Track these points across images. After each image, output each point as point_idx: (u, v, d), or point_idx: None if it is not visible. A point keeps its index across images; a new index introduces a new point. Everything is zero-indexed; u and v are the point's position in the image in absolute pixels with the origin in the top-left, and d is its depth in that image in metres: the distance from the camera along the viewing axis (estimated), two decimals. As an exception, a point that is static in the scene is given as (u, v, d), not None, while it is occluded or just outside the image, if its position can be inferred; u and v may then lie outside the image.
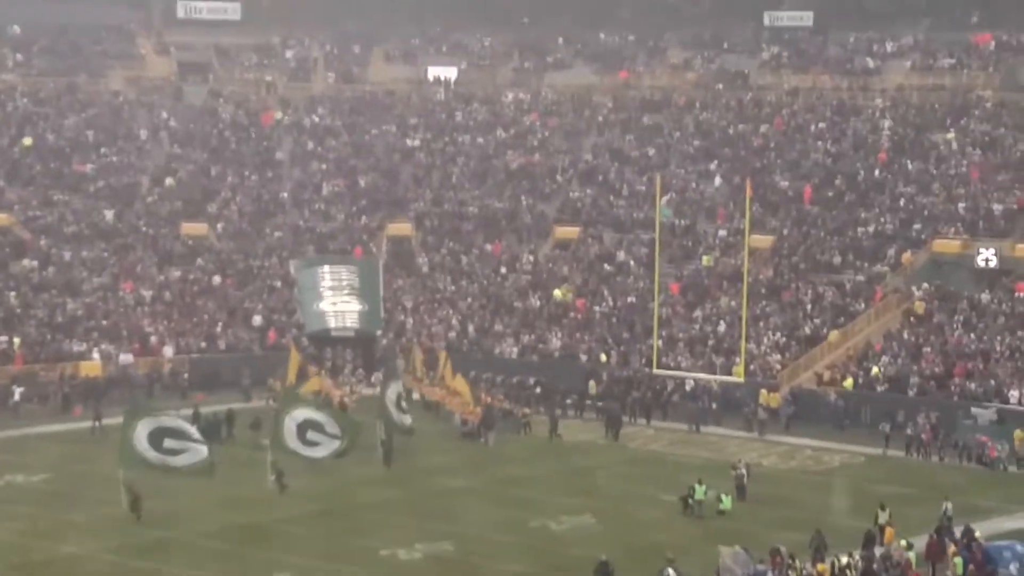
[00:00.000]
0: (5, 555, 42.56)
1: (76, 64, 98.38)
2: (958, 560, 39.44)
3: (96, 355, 72.40)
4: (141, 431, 47.64)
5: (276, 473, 51.11)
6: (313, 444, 51.30)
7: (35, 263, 78.83)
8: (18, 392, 66.78)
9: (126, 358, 72.60)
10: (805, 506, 49.53)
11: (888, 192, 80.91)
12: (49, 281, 77.89)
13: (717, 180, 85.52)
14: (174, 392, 70.39)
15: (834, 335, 69.74)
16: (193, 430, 49.17)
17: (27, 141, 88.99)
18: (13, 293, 75.65)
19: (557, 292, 78.87)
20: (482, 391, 66.03)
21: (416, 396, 68.51)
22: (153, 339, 75.01)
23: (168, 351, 74.35)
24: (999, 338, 67.39)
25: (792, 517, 47.44)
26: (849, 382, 66.41)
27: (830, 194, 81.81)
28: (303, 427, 51.33)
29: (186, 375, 72.51)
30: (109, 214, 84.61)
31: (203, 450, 48.20)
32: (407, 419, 59.01)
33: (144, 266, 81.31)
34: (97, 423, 60.82)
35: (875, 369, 66.82)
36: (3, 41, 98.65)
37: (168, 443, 47.68)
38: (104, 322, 75.47)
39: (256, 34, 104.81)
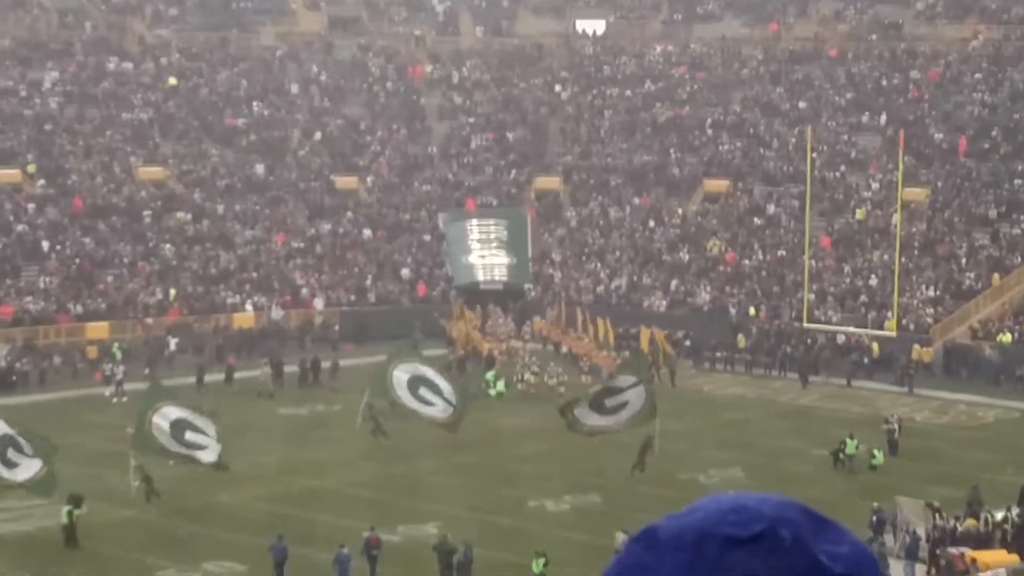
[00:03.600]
0: (163, 501, 43.32)
1: (228, 19, 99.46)
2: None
3: (249, 307, 73.43)
4: (161, 420, 44.77)
5: (372, 420, 51.11)
6: (426, 402, 50.90)
7: (189, 216, 79.99)
8: (173, 343, 67.93)
9: (278, 311, 73.53)
10: (958, 461, 48.85)
11: (1046, 144, 79.27)
12: (203, 234, 79.03)
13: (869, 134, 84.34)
14: (325, 344, 71.12)
15: (992, 286, 68.59)
16: (211, 427, 45.56)
17: (173, 81, 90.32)
18: (168, 246, 76.84)
19: (711, 244, 78.30)
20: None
21: (564, 349, 68.71)
22: (304, 291, 75.87)
23: (319, 303, 75.17)
24: None
25: (945, 472, 46.85)
26: (1006, 337, 65.26)
27: (986, 146, 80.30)
28: (415, 382, 51.02)
29: (336, 327, 73.25)
30: (260, 167, 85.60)
31: (218, 448, 45.08)
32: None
33: (295, 219, 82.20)
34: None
35: (1032, 324, 65.65)
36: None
37: (189, 436, 44.96)
38: (256, 274, 76.47)
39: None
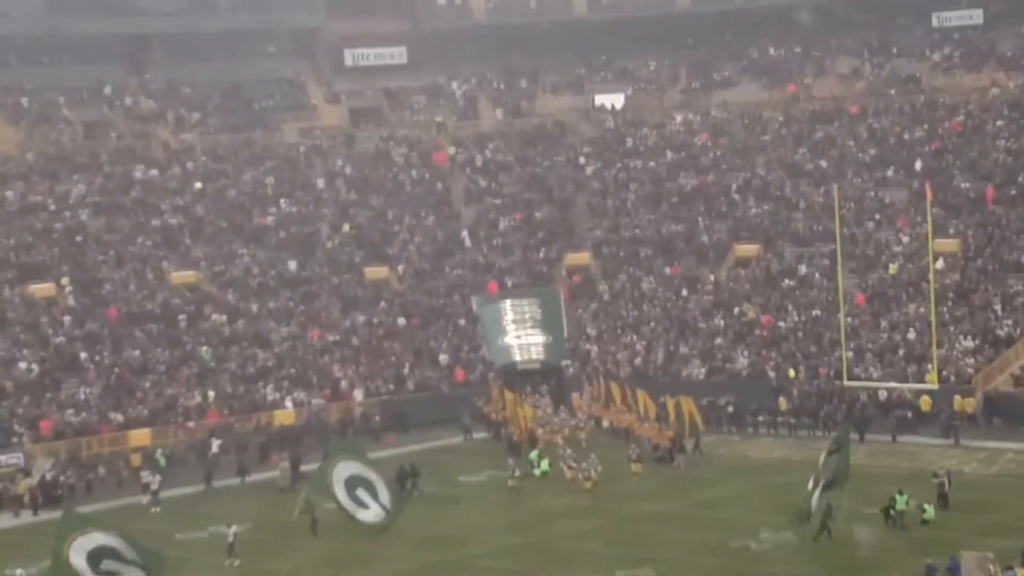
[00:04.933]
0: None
1: (250, 119, 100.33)
2: None
3: (289, 403, 73.55)
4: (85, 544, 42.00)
5: (308, 508, 51.72)
6: (361, 504, 51.28)
7: (224, 317, 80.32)
8: (216, 444, 67.99)
9: (319, 404, 73.61)
10: (1011, 511, 48.42)
11: (1073, 185, 79.16)
12: (239, 334, 79.32)
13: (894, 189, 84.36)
14: (366, 435, 71.06)
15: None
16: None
17: (199, 184, 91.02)
18: (205, 348, 77.11)
19: (743, 309, 78.26)
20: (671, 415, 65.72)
21: (605, 424, 68.63)
22: (343, 384, 75.98)
23: (359, 395, 75.25)
24: None
25: (998, 522, 46.45)
26: (1048, 382, 64.96)
27: (1013, 192, 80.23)
28: (353, 481, 51.43)
29: (377, 418, 73.26)
30: (292, 264, 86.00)
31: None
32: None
33: (329, 313, 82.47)
34: (294, 471, 61.60)
35: (1073, 367, 65.28)
36: (179, 102, 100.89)
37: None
38: (294, 370, 76.65)
39: (423, 76, 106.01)
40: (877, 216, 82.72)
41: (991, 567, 38.13)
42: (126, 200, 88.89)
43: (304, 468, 61.36)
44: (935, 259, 72.06)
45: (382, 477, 52.68)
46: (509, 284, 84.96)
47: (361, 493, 51.42)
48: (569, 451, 60.47)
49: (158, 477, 60.64)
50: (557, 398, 74.76)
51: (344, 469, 51.82)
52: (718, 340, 76.65)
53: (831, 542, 45.17)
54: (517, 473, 56.96)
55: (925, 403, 65.58)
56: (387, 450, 67.51)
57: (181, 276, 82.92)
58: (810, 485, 46.41)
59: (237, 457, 65.95)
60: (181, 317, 79.35)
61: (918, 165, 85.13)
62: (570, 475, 57.55)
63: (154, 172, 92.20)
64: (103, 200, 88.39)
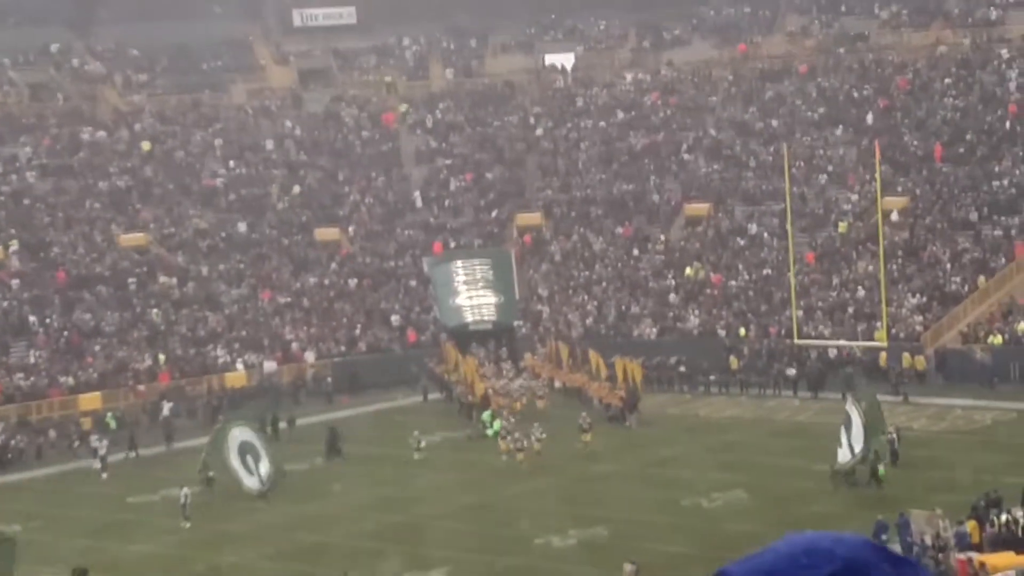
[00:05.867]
0: (168, 567, 43.25)
1: (198, 80, 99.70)
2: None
3: (240, 366, 73.37)
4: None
5: (204, 468, 52.54)
6: (248, 470, 52.71)
7: (174, 279, 79.97)
8: (167, 407, 67.77)
9: (270, 366, 73.47)
10: (960, 467, 48.80)
11: (1021, 143, 79.49)
12: (189, 296, 79.03)
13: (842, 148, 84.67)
14: (319, 397, 71.06)
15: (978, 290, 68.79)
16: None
17: (146, 146, 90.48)
18: (155, 311, 76.81)
19: (689, 270, 78.54)
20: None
21: (558, 384, 68.73)
22: (295, 346, 75.84)
23: (310, 357, 75.13)
24: None
25: (947, 479, 46.82)
26: (997, 339, 65.39)
27: (961, 150, 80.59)
28: (245, 447, 53.19)
29: (329, 379, 73.18)
30: (242, 226, 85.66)
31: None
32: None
33: (280, 274, 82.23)
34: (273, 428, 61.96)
35: (1021, 324, 65.71)
36: (126, 63, 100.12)
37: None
38: (245, 333, 76.44)
39: (372, 36, 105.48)
40: (826, 175, 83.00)
41: (940, 523, 38.44)
42: (73, 162, 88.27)
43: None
44: (888, 212, 72.48)
45: (267, 449, 53.89)
46: (455, 245, 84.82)
47: (249, 460, 52.77)
48: (512, 420, 59.50)
49: (105, 442, 60.08)
50: (501, 358, 74.78)
51: (239, 434, 53.48)
52: (670, 298, 76.91)
53: (878, 488, 46.07)
54: (469, 432, 56.94)
55: (883, 359, 65.74)
56: (340, 411, 67.53)
57: (130, 238, 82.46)
58: (843, 441, 47.87)
59: (188, 420, 65.77)
60: (131, 280, 78.96)
61: (868, 121, 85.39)
62: (503, 447, 55.55)
63: (102, 134, 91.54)
64: (50, 162, 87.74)
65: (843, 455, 47.89)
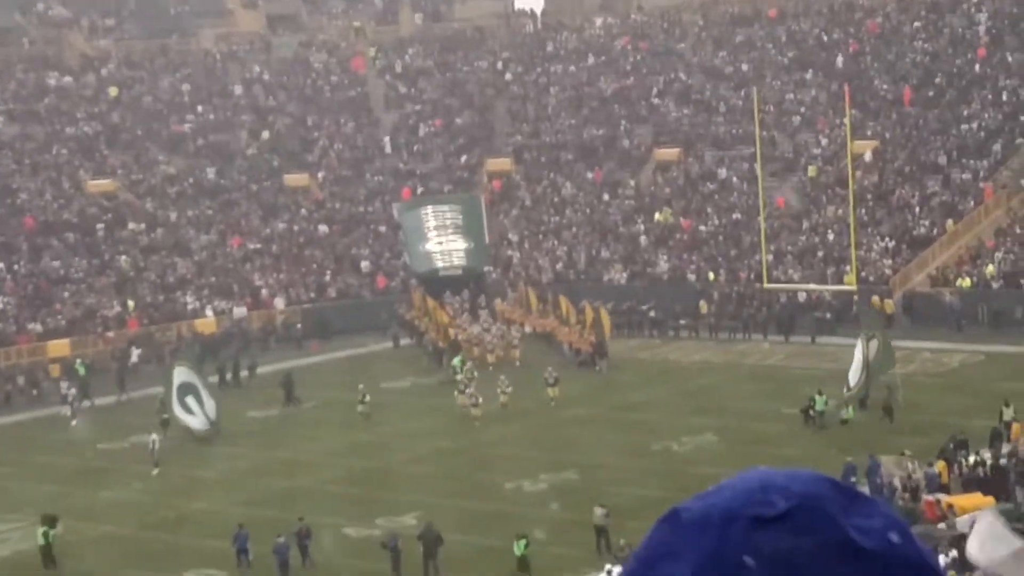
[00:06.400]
0: (139, 514, 43.22)
1: (166, 25, 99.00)
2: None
3: (210, 312, 73.17)
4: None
5: (160, 409, 53.32)
6: (188, 410, 53.06)
7: (142, 226, 79.63)
8: (136, 354, 67.57)
9: (240, 312, 73.29)
10: (928, 409, 49.07)
11: (990, 86, 79.56)
12: (158, 243, 78.71)
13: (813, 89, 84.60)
14: (288, 343, 70.96)
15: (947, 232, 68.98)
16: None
17: (114, 91, 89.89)
18: (124, 257, 76.48)
19: (659, 215, 78.54)
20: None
21: (528, 329, 68.66)
22: (264, 292, 75.66)
23: (280, 303, 74.97)
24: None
25: (915, 421, 47.05)
26: (965, 282, 65.62)
27: (931, 94, 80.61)
28: (184, 388, 53.48)
29: (299, 325, 73.04)
30: (211, 171, 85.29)
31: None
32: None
33: (249, 220, 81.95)
34: (219, 379, 61.49)
35: (990, 267, 65.97)
36: (93, 7, 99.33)
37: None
38: (214, 279, 76.21)
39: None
40: (796, 118, 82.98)
41: (909, 465, 38.65)
42: (40, 108, 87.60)
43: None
44: (858, 156, 72.51)
45: (209, 390, 54.30)
46: (424, 191, 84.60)
47: (190, 400, 53.00)
48: (476, 373, 58.90)
49: (73, 389, 59.95)
50: (479, 306, 74.73)
51: (179, 375, 53.86)
52: (640, 243, 76.94)
53: (890, 422, 47.06)
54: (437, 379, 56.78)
55: (877, 303, 65.73)
56: (311, 358, 67.47)
57: (98, 185, 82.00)
58: (852, 372, 49.45)
59: (158, 366, 65.60)
60: (99, 226, 78.58)
61: (838, 65, 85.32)
62: (460, 401, 54.07)
63: (68, 79, 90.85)
64: (16, 108, 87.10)
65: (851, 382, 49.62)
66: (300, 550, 37.48)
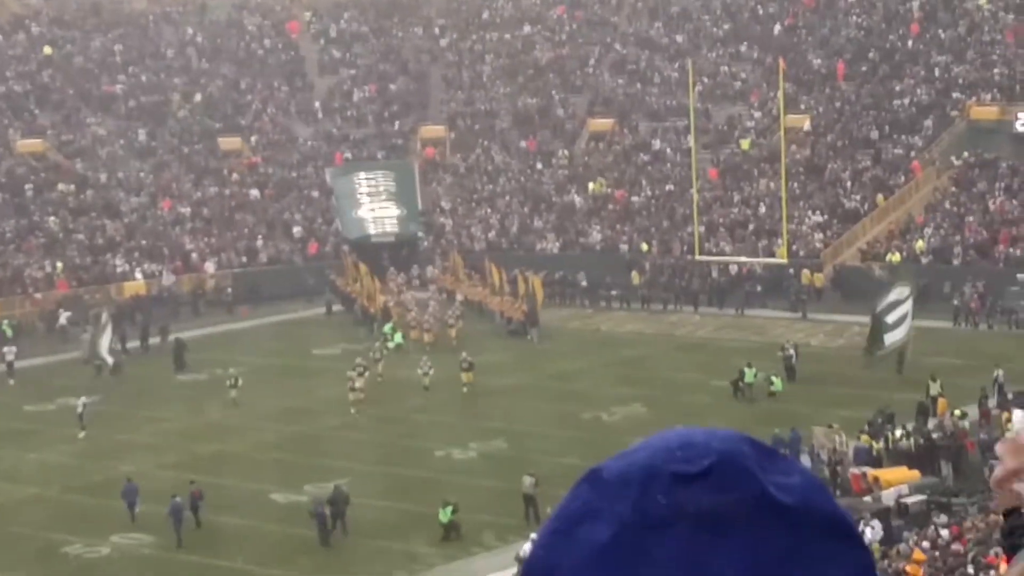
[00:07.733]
0: (65, 477, 42.97)
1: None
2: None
3: (139, 275, 72.66)
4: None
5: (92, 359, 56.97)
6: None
7: (72, 187, 78.89)
8: (64, 316, 67.02)
9: (169, 277, 72.83)
10: (856, 383, 49.44)
11: (922, 63, 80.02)
12: (87, 204, 78.01)
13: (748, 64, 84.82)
14: (219, 307, 70.60)
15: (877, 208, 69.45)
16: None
17: (47, 50, 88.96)
18: (52, 218, 75.80)
19: (593, 185, 78.62)
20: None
21: (460, 297, 68.55)
22: (194, 256, 75.19)
23: (210, 267, 74.55)
24: (1042, 204, 66.91)
25: (844, 394, 47.46)
26: (895, 256, 66.11)
27: (864, 69, 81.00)
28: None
29: (229, 290, 72.66)
30: (142, 133, 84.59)
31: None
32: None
33: (180, 183, 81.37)
34: (144, 343, 61.22)
35: (919, 242, 66.49)
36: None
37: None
38: (144, 242, 75.66)
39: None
40: (731, 91, 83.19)
41: (836, 438, 38.98)
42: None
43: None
44: (791, 130, 72.81)
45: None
46: (356, 156, 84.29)
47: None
48: (386, 352, 57.40)
49: (13, 348, 59.55)
50: (409, 270, 74.57)
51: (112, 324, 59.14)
52: (573, 213, 77.00)
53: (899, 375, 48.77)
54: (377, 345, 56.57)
55: (809, 277, 66.10)
56: (241, 323, 67.19)
57: (27, 144, 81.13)
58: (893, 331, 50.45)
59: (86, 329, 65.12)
60: (27, 186, 77.76)
61: (773, 38, 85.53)
62: (351, 398, 50.40)
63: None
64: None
65: (891, 337, 50.30)
66: (193, 512, 38.04)
